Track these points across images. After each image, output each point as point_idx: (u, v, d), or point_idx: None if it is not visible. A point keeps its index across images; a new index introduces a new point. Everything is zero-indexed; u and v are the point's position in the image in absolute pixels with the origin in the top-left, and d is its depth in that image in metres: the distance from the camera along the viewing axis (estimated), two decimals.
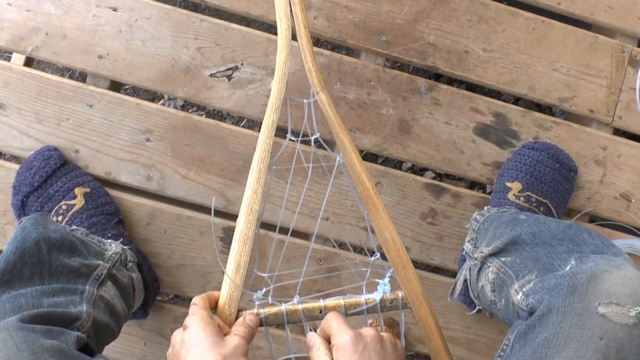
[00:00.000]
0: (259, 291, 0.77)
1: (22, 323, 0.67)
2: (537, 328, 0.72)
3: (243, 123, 1.33)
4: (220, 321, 0.75)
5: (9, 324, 0.67)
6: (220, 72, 1.08)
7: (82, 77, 1.26)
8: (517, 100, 1.31)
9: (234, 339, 0.70)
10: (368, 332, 0.71)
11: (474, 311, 1.07)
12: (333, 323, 0.73)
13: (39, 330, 0.68)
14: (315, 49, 0.83)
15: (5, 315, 0.68)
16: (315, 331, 1.22)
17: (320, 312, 0.77)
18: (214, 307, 0.77)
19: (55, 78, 1.06)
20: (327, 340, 0.73)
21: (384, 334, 0.73)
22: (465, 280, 1.01)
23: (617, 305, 0.69)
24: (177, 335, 0.71)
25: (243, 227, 0.76)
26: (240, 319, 0.75)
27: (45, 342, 0.66)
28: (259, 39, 1.09)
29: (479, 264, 0.95)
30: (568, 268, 0.75)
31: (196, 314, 0.71)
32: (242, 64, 1.09)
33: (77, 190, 1.01)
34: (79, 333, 0.72)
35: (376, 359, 0.69)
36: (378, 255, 0.81)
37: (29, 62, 1.08)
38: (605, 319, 0.68)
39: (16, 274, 0.74)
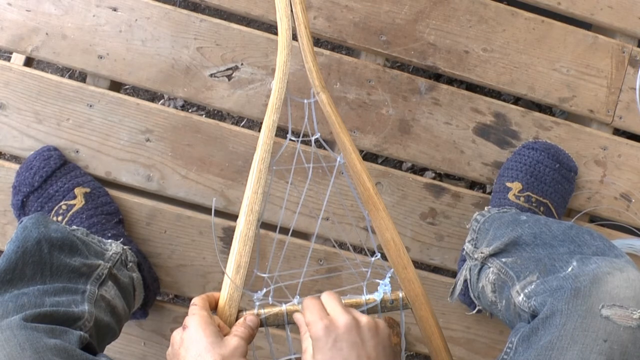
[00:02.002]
0: (259, 291, 0.77)
1: (25, 322, 0.67)
2: (540, 331, 0.72)
3: (243, 123, 1.33)
4: (221, 322, 0.75)
5: (12, 322, 0.66)
6: (220, 72, 1.08)
7: (82, 77, 1.25)
8: (517, 100, 1.31)
9: (234, 340, 0.70)
10: (341, 320, 0.68)
11: (474, 311, 1.07)
12: (307, 312, 0.71)
13: (42, 329, 0.67)
14: (315, 49, 0.83)
15: (8, 314, 0.68)
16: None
17: None
18: (214, 307, 0.77)
19: (55, 78, 1.06)
20: None
21: (363, 320, 0.70)
22: (465, 281, 1.01)
23: (621, 307, 0.69)
24: (176, 335, 0.71)
25: (243, 227, 0.76)
26: (241, 320, 0.75)
27: (49, 341, 0.66)
28: (259, 39, 1.09)
29: (479, 264, 0.95)
30: (570, 270, 0.75)
31: (196, 314, 0.71)
32: (242, 64, 1.09)
33: (77, 190, 1.01)
34: (81, 332, 0.72)
35: (349, 350, 0.66)
36: (378, 255, 0.81)
37: (29, 62, 1.08)
38: (609, 322, 0.68)
39: (18, 273, 0.74)
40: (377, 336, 0.69)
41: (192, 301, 0.75)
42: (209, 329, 0.70)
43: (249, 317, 0.75)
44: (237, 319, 0.76)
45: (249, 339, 0.73)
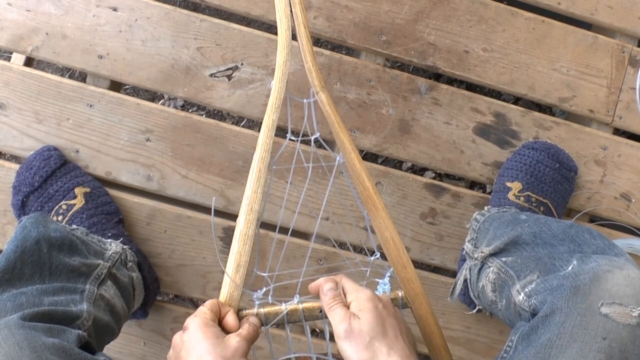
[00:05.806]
0: (259, 291, 0.77)
1: (23, 321, 0.67)
2: (540, 329, 0.72)
3: (243, 123, 1.33)
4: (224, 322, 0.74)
5: (10, 322, 0.66)
6: (220, 72, 1.08)
7: (82, 77, 1.26)
8: (517, 100, 1.31)
9: (234, 340, 0.69)
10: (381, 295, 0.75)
11: (474, 311, 1.07)
12: (349, 282, 0.75)
13: (40, 328, 0.67)
14: (315, 49, 0.83)
15: (6, 313, 0.68)
16: (315, 332, 1.21)
17: (320, 311, 0.77)
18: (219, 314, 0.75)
19: (55, 78, 1.06)
20: None
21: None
22: (465, 280, 1.01)
23: (620, 305, 0.69)
24: (177, 338, 0.71)
25: (243, 227, 0.76)
26: (244, 319, 0.74)
27: (47, 340, 0.66)
28: (259, 39, 1.09)
29: (479, 264, 0.95)
30: (570, 268, 0.75)
31: (197, 315, 0.71)
32: (242, 64, 1.09)
33: (77, 190, 1.01)
34: (79, 331, 0.72)
35: (393, 316, 0.72)
36: (378, 255, 0.80)
37: (29, 62, 1.08)
38: (608, 319, 0.68)
39: (17, 272, 0.74)
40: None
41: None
42: (210, 330, 0.69)
43: (251, 317, 0.74)
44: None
45: (252, 338, 0.72)
